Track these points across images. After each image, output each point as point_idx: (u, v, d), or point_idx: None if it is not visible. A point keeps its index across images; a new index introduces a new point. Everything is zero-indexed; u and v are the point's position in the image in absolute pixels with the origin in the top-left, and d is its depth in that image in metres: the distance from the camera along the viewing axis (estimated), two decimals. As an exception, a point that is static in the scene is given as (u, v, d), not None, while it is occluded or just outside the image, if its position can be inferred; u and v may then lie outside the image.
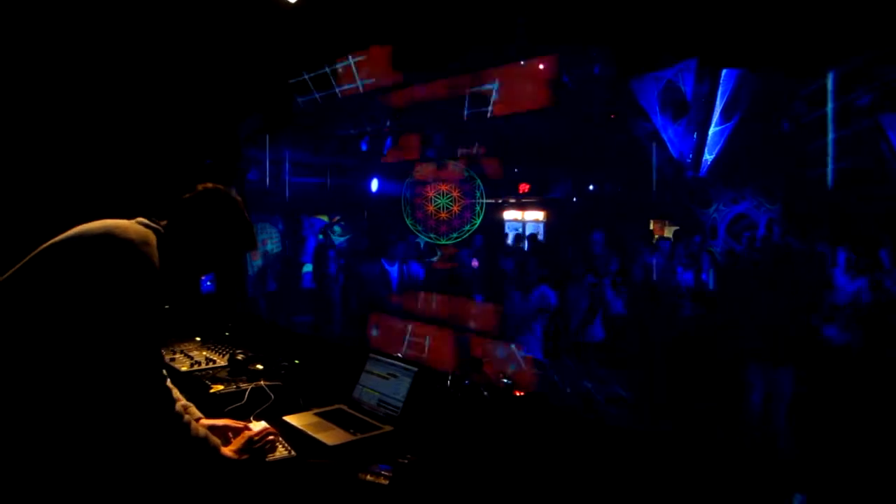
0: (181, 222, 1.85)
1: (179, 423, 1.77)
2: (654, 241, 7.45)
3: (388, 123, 9.23)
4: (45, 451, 1.59)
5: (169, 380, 2.04)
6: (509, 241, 10.57)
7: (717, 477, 1.94)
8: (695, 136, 7.17)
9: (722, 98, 6.82)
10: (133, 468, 1.74)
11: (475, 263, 7.98)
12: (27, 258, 1.68)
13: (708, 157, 7.10)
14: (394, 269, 7.91)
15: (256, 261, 9.23)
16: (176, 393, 2.03)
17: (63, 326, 1.60)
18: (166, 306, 1.88)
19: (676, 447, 2.12)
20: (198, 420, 2.03)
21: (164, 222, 1.84)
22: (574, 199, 10.19)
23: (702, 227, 7.79)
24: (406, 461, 2.02)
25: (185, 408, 2.02)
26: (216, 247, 1.90)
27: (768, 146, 6.88)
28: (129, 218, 1.80)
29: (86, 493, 1.64)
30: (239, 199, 1.93)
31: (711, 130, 6.98)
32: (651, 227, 9.29)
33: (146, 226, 1.78)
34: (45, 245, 1.70)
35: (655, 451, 2.11)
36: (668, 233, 9.67)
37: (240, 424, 2.12)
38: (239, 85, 5.28)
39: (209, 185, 1.90)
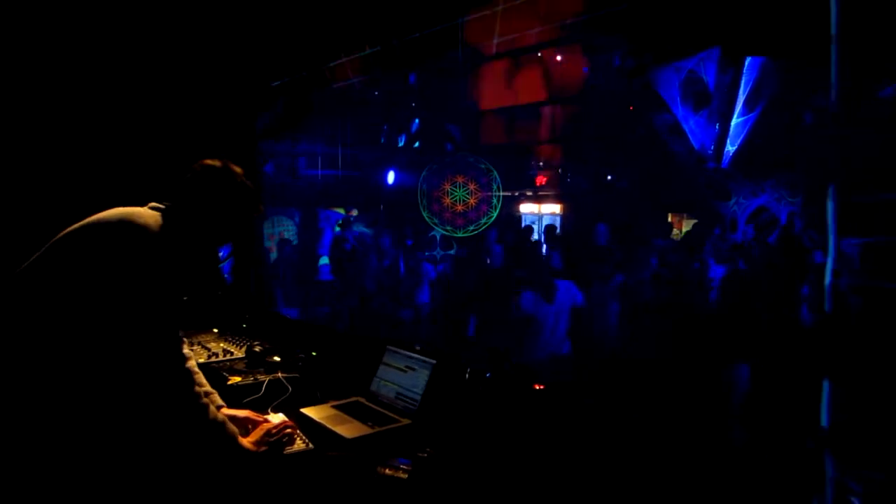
0: (183, 198, 1.89)
1: (197, 403, 1.79)
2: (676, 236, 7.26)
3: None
4: (65, 432, 1.63)
5: (194, 362, 2.07)
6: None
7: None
8: (717, 126, 7.01)
9: (745, 88, 6.66)
10: (151, 450, 1.77)
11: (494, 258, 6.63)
12: (47, 245, 1.74)
13: (730, 148, 6.95)
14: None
15: (273, 253, 9.26)
16: (200, 378, 2.07)
17: (84, 310, 1.65)
18: (185, 298, 1.90)
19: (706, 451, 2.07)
20: (219, 408, 2.04)
21: (168, 203, 1.90)
22: (591, 192, 10.08)
23: (721, 219, 7.64)
24: (425, 455, 1.99)
25: (207, 394, 2.04)
26: (220, 216, 1.92)
27: (791, 138, 6.71)
28: (141, 206, 1.86)
29: (103, 474, 1.68)
30: (239, 169, 1.96)
31: (734, 121, 6.82)
32: (669, 219, 9.16)
33: (156, 209, 1.84)
34: (63, 233, 1.75)
35: (679, 451, 2.06)
36: (686, 226, 9.54)
37: (259, 417, 2.12)
38: (255, 77, 5.27)
39: (207, 161, 1.95)
